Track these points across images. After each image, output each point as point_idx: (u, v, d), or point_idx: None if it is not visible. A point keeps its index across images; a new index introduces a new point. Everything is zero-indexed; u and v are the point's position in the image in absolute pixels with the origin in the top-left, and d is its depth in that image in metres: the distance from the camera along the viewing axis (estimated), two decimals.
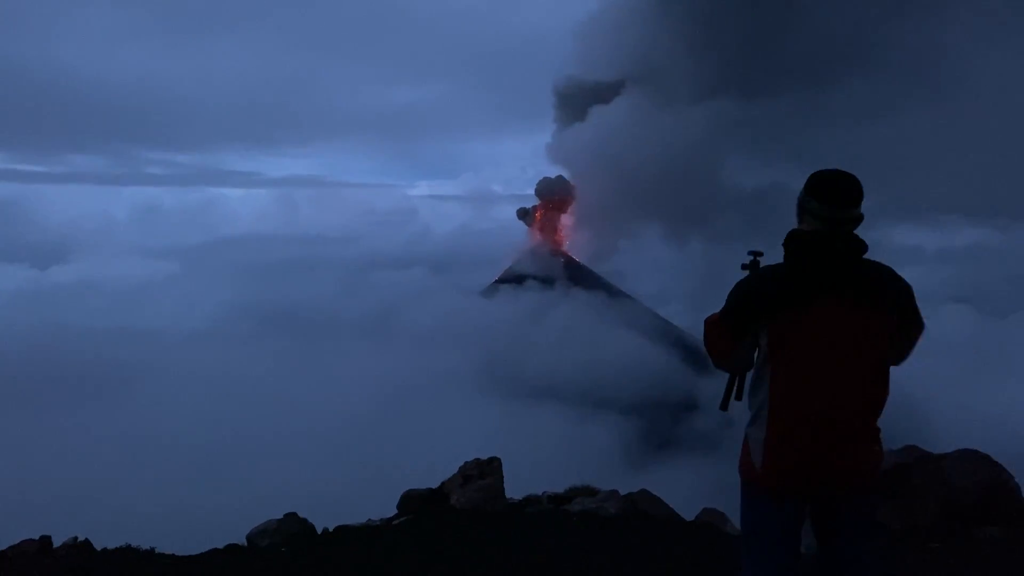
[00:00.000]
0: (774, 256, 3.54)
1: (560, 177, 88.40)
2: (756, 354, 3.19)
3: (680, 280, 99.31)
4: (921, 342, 3.23)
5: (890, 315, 3.06)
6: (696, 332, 71.90)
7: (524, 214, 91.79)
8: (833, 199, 3.04)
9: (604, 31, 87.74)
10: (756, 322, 3.12)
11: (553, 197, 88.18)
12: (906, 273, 3.13)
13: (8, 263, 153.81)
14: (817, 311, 3.01)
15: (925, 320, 3.19)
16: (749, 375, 3.31)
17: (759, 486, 3.18)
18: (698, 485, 34.63)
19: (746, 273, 3.50)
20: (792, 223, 3.23)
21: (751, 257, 3.56)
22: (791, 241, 3.13)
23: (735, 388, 3.52)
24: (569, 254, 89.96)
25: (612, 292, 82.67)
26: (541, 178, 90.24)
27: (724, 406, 3.56)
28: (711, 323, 3.31)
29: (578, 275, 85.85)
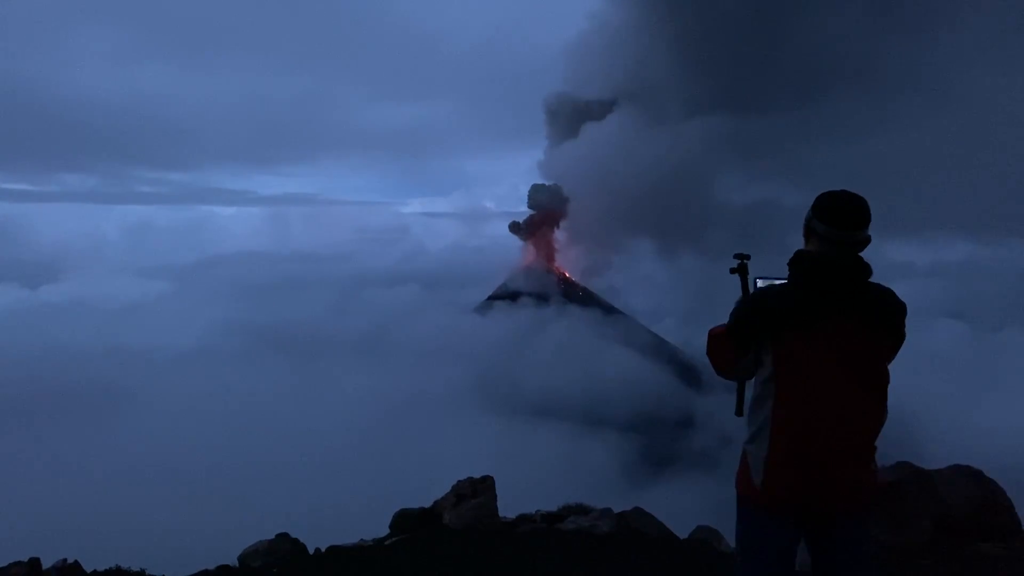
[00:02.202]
0: (761, 261, 3.57)
1: (554, 185, 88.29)
2: (759, 369, 3.20)
3: (673, 296, 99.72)
4: (904, 353, 3.25)
5: (889, 336, 3.09)
6: (690, 349, 72.10)
7: (517, 228, 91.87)
8: (840, 222, 3.03)
9: (596, 50, 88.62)
10: (760, 340, 3.13)
11: (545, 206, 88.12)
12: (898, 289, 3.14)
13: None
14: (822, 332, 3.02)
15: (918, 336, 3.22)
16: (750, 391, 3.32)
17: (756, 503, 3.17)
18: (697, 503, 34.53)
19: (736, 277, 3.55)
20: (786, 238, 3.25)
21: (738, 261, 3.60)
22: (797, 262, 3.14)
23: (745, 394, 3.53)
24: (563, 271, 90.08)
25: (607, 309, 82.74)
26: (533, 184, 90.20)
27: (739, 412, 3.57)
28: (715, 336, 3.32)
29: (572, 292, 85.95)
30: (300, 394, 65.78)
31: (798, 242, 3.28)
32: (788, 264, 3.19)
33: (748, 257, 3.60)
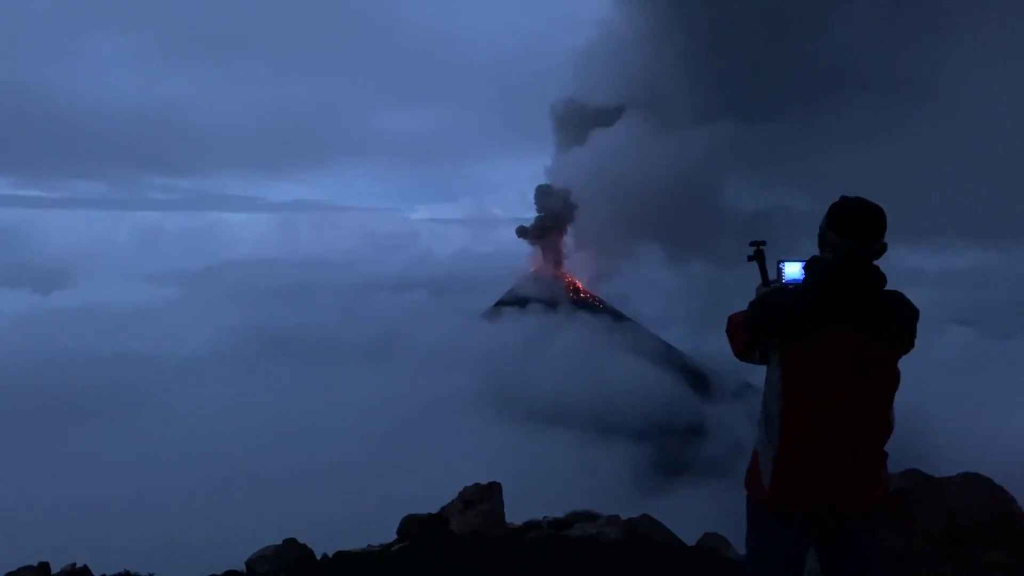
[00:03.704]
0: (776, 246, 3.59)
1: (562, 188, 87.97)
2: (769, 368, 3.22)
3: (682, 303, 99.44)
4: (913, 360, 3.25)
5: (899, 342, 3.08)
6: (699, 356, 71.59)
7: (524, 233, 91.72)
8: (854, 234, 3.01)
9: (604, 56, 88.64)
10: (770, 339, 3.16)
11: (552, 209, 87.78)
12: (907, 295, 3.13)
13: (10, 288, 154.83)
14: (833, 338, 3.02)
15: (928, 343, 3.21)
16: (763, 391, 3.33)
17: (766, 506, 3.17)
18: (706, 511, 34.35)
19: (754, 264, 3.61)
20: (796, 245, 3.26)
21: (754, 248, 3.63)
22: (812, 269, 3.14)
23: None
24: (571, 277, 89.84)
25: (615, 315, 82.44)
26: (538, 186, 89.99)
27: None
28: (733, 323, 3.36)
29: (581, 298, 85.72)
30: (308, 399, 65.83)
31: (807, 249, 3.29)
32: (803, 268, 3.20)
33: (764, 243, 3.62)
